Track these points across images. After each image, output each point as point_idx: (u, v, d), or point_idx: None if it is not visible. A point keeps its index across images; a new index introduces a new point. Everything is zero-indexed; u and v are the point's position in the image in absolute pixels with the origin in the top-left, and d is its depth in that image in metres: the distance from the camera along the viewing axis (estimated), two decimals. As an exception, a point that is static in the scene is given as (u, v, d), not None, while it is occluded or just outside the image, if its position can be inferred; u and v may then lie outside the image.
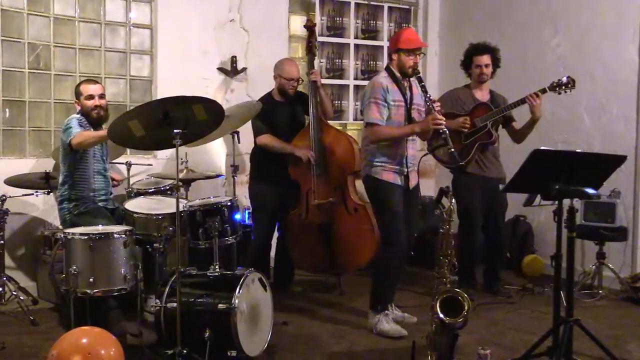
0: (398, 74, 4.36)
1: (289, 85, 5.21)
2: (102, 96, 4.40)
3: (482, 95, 5.27)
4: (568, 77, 4.87)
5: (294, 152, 5.14)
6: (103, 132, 4.11)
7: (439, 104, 4.23)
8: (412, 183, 4.46)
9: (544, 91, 4.90)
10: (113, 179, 4.75)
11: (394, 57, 4.36)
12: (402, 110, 4.34)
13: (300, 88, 5.44)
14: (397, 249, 4.33)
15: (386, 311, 4.40)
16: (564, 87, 4.86)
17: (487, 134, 5.13)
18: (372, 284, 4.46)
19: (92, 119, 4.35)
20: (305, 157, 5.11)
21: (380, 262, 4.46)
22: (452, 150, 4.12)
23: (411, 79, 4.40)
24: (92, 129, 4.33)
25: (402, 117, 4.34)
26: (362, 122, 6.89)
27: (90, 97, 4.35)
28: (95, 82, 4.55)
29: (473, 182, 5.17)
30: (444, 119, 4.13)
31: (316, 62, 5.84)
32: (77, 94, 4.40)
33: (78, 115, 4.36)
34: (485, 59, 5.19)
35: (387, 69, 4.44)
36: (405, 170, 4.38)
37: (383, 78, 4.35)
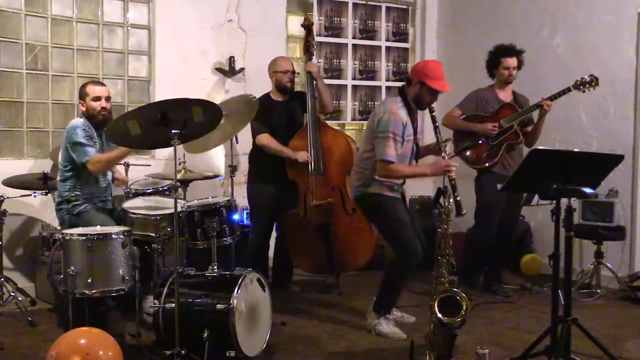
0: (412, 105, 4.24)
1: (286, 78, 5.22)
2: (108, 99, 4.37)
3: (505, 95, 5.30)
4: (591, 75, 4.93)
5: (291, 157, 5.14)
6: (119, 152, 4.14)
7: (448, 147, 4.20)
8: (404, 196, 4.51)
9: (568, 90, 4.94)
10: (117, 179, 4.71)
11: (416, 86, 4.18)
12: (411, 144, 4.28)
13: (298, 88, 5.45)
14: (416, 257, 4.24)
15: (387, 315, 4.40)
16: (587, 85, 4.92)
17: (514, 134, 5.15)
18: (383, 289, 4.38)
19: (97, 120, 4.32)
20: (303, 159, 5.11)
21: (395, 269, 4.35)
22: (458, 198, 3.99)
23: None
24: (94, 132, 4.30)
25: (409, 150, 4.27)
26: (360, 122, 6.96)
27: (98, 98, 4.32)
28: (102, 84, 4.50)
29: (496, 181, 5.15)
30: (456, 165, 4.09)
31: (314, 61, 5.84)
32: (83, 94, 4.35)
33: (81, 121, 4.31)
34: (514, 61, 5.22)
35: (403, 94, 4.26)
36: (402, 189, 4.40)
37: (401, 110, 4.19)
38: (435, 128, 4.21)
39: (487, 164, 5.20)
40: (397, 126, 4.13)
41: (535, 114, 5.17)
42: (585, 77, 4.92)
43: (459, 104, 5.39)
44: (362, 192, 4.35)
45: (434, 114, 4.23)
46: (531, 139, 5.24)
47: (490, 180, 5.19)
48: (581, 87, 4.93)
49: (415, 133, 4.31)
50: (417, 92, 4.19)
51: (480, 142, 5.14)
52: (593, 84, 4.91)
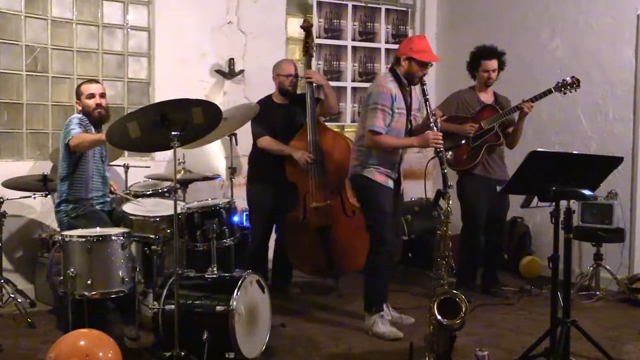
0: (404, 80, 4.32)
1: (288, 81, 5.23)
2: (102, 95, 4.38)
3: (487, 97, 5.29)
4: (572, 77, 4.89)
5: (291, 154, 5.14)
6: (101, 135, 4.10)
7: (439, 120, 4.21)
8: (401, 188, 4.51)
9: (549, 92, 4.92)
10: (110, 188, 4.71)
11: (404, 63, 4.29)
12: (404, 118, 4.33)
13: (300, 89, 5.45)
14: (386, 248, 4.36)
15: (381, 312, 4.40)
16: (568, 87, 4.88)
17: (494, 136, 5.16)
18: (364, 286, 4.46)
19: (94, 118, 4.33)
20: (302, 161, 5.11)
21: (370, 263, 4.44)
22: (445, 171, 4.03)
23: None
24: (92, 129, 4.31)
25: (403, 124, 4.34)
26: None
27: (92, 95, 4.33)
28: (96, 81, 4.56)
29: (478, 184, 5.18)
30: (442, 138, 4.13)
31: (314, 63, 5.85)
32: (78, 94, 4.37)
33: (80, 115, 4.34)
34: (494, 63, 5.20)
35: (393, 71, 4.38)
36: (396, 175, 4.41)
37: (391, 83, 4.30)
38: (426, 100, 4.23)
39: (468, 166, 5.21)
40: (385, 98, 4.23)
41: (516, 116, 5.15)
42: (567, 78, 4.88)
43: (439, 105, 5.40)
44: (357, 172, 4.41)
45: (427, 97, 4.25)
46: (512, 141, 5.25)
47: (471, 182, 5.22)
48: (562, 89, 4.89)
49: (409, 108, 4.34)
50: (407, 68, 4.28)
51: (461, 142, 5.14)
52: (574, 85, 4.86)
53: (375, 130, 4.24)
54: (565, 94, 4.94)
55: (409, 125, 4.39)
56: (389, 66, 4.54)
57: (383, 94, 4.25)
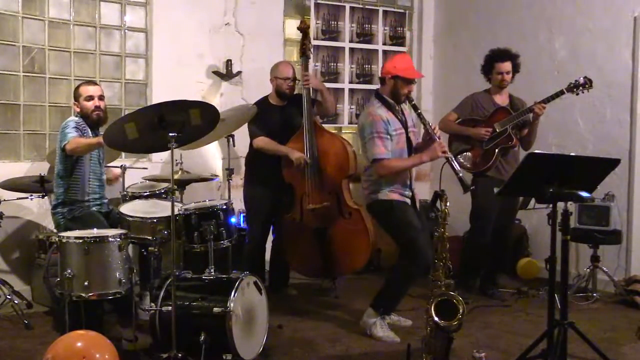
0: (391, 101, 4.34)
1: (285, 84, 5.24)
2: (101, 97, 4.37)
3: (502, 99, 5.31)
4: (585, 77, 4.90)
5: (288, 155, 5.14)
6: (97, 139, 4.09)
7: (439, 130, 4.25)
8: (417, 204, 4.50)
9: (561, 93, 4.93)
10: (109, 179, 4.73)
11: (389, 82, 4.31)
12: (403, 137, 4.33)
13: (297, 90, 5.45)
14: (424, 264, 4.16)
15: (385, 316, 4.39)
16: (581, 88, 4.89)
17: (507, 138, 5.16)
18: (386, 288, 4.38)
19: (92, 120, 4.32)
20: (297, 162, 5.11)
21: (404, 274, 4.31)
22: (461, 175, 4.10)
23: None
24: (89, 132, 4.30)
25: (404, 144, 4.33)
26: (357, 125, 6.95)
27: (90, 97, 4.33)
28: (95, 83, 4.56)
29: (490, 185, 5.17)
30: (446, 146, 4.18)
31: (311, 65, 5.85)
32: (77, 95, 4.36)
33: (77, 118, 4.32)
34: (507, 65, 5.21)
35: (378, 96, 4.39)
36: (411, 193, 4.40)
37: (379, 109, 4.30)
38: (419, 115, 4.29)
39: (481, 168, 5.22)
40: (378, 125, 4.24)
41: (531, 117, 5.17)
42: (580, 79, 4.89)
43: (455, 108, 5.42)
44: (373, 199, 4.38)
45: (413, 102, 4.34)
46: (527, 143, 5.27)
47: (484, 184, 5.21)
48: (574, 90, 4.91)
49: (405, 127, 4.36)
50: (393, 87, 4.31)
51: (469, 147, 5.16)
52: (587, 86, 4.87)
53: (380, 158, 4.23)
54: (577, 94, 4.96)
55: (410, 143, 4.38)
56: (375, 89, 4.54)
57: (375, 122, 4.25)
